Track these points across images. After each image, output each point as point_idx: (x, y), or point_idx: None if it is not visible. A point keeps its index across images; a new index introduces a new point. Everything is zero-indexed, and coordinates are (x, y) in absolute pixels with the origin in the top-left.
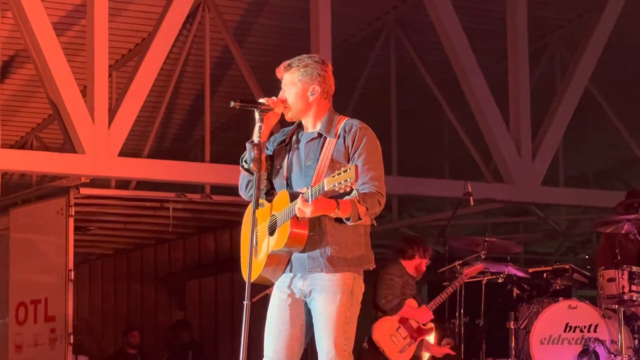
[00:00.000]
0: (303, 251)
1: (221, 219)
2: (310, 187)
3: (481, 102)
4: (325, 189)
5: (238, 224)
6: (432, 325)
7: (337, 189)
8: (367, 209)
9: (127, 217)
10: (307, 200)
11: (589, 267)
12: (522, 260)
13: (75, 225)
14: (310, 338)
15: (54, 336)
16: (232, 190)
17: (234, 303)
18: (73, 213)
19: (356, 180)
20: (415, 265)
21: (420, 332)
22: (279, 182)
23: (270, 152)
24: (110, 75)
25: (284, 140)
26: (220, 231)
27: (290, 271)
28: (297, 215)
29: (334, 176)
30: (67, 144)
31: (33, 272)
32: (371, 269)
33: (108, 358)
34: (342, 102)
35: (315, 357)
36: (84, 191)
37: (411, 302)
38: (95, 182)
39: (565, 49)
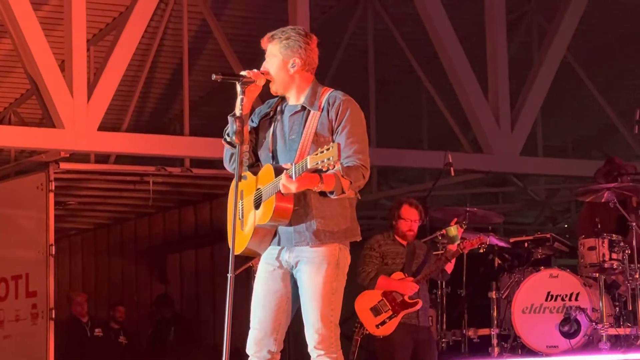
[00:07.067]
0: (289, 225)
1: (201, 192)
2: (293, 164)
3: (459, 72)
4: (308, 166)
5: (218, 197)
6: (418, 299)
7: (319, 167)
8: (351, 182)
9: (107, 192)
10: (291, 177)
11: (567, 236)
12: (502, 230)
13: (55, 200)
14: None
15: (35, 312)
16: (212, 163)
17: (214, 276)
18: (53, 188)
19: (338, 159)
20: (404, 228)
21: (405, 305)
22: (264, 154)
23: (254, 125)
24: (88, 50)
25: (268, 113)
26: (200, 204)
27: (278, 244)
28: (282, 191)
29: (316, 154)
30: (46, 119)
31: (14, 248)
32: (357, 241)
33: None
34: (320, 73)
35: (300, 346)
36: (64, 166)
37: (396, 275)
38: (74, 157)
39: (543, 17)
